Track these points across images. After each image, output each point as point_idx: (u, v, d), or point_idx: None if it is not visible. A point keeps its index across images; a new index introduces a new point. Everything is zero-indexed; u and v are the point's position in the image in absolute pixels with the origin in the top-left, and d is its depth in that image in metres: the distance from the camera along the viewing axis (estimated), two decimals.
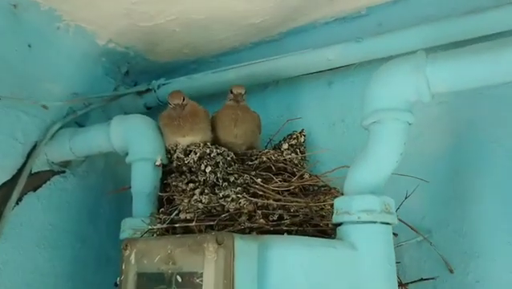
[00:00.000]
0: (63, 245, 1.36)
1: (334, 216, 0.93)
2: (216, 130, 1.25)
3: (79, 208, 1.42)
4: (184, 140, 1.21)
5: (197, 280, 0.79)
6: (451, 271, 1.09)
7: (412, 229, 1.11)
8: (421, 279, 1.08)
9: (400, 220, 0.97)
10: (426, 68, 0.89)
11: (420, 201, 1.14)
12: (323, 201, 1.12)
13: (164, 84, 1.54)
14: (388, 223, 0.90)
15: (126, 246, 0.91)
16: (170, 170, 1.23)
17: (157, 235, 1.08)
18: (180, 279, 0.82)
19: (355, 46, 1.26)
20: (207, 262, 0.79)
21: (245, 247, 0.79)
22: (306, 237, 0.95)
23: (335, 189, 1.18)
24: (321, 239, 0.93)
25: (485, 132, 1.14)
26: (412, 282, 1.08)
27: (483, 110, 1.16)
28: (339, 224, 0.92)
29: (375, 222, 0.88)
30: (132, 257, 0.89)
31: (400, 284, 1.04)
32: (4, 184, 1.23)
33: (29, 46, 1.33)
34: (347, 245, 0.88)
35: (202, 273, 0.79)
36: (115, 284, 1.15)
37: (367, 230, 0.89)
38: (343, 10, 1.37)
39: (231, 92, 1.24)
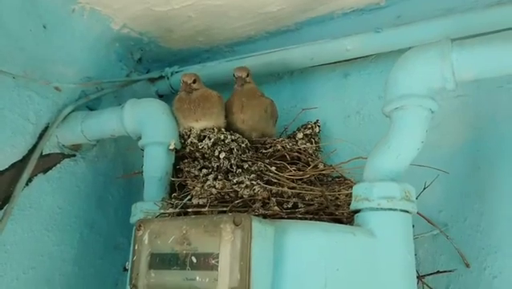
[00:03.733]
0: (71, 229, 1.35)
1: (352, 202, 0.91)
2: (228, 116, 1.25)
3: (88, 192, 1.41)
4: (197, 125, 1.20)
5: (213, 261, 0.78)
6: (467, 266, 1.07)
7: (428, 221, 1.09)
8: (438, 272, 1.06)
9: (416, 212, 0.95)
10: (452, 54, 0.87)
11: (437, 194, 1.13)
12: (338, 191, 1.11)
13: (177, 72, 1.54)
14: (407, 211, 0.88)
15: (139, 226, 0.89)
16: (183, 156, 1.22)
17: None
18: (195, 260, 0.80)
19: (375, 36, 1.24)
20: (223, 243, 0.78)
21: (262, 230, 0.78)
22: (324, 222, 0.93)
23: (349, 179, 1.17)
24: (339, 225, 0.91)
25: (506, 126, 1.12)
26: (428, 275, 1.06)
27: (503, 104, 1.14)
28: (358, 211, 0.90)
29: (395, 210, 0.87)
30: (146, 237, 0.88)
31: (417, 276, 1.02)
32: (14, 164, 1.22)
33: (44, 27, 1.32)
34: (366, 232, 0.86)
35: (218, 254, 0.77)
36: (125, 269, 1.14)
37: (387, 217, 0.87)
38: (362, 1, 1.35)
39: (233, 76, 1.23)
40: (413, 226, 0.98)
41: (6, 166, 1.20)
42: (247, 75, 1.23)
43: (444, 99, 1.15)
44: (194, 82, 1.20)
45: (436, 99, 0.91)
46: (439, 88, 0.91)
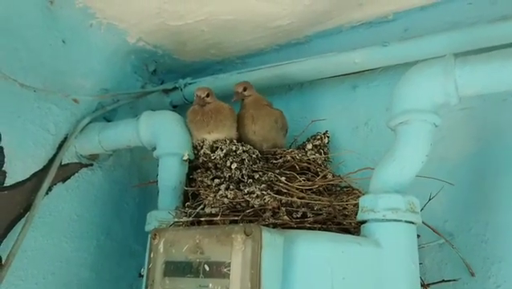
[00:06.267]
0: (89, 236, 1.39)
1: (359, 213, 0.94)
2: (239, 128, 1.28)
3: (104, 200, 1.45)
4: (210, 137, 1.24)
5: (225, 270, 0.81)
6: (472, 275, 1.09)
7: (434, 231, 1.11)
8: (443, 281, 1.09)
9: (422, 222, 0.98)
10: (455, 71, 0.90)
11: (443, 205, 1.16)
12: (346, 201, 1.14)
13: (190, 83, 1.58)
14: (412, 222, 0.91)
15: (155, 235, 0.93)
16: (196, 166, 1.26)
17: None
18: (207, 268, 0.84)
19: (382, 50, 1.27)
20: (235, 252, 0.81)
21: (271, 240, 0.81)
22: (332, 232, 0.97)
23: (357, 189, 1.20)
24: (346, 235, 0.94)
25: (510, 137, 1.15)
26: (433, 284, 1.09)
27: (508, 116, 1.17)
28: (364, 222, 0.93)
29: (399, 221, 0.90)
30: (161, 246, 0.92)
31: (422, 285, 1.05)
32: (35, 174, 1.27)
33: (63, 41, 1.37)
34: (372, 242, 0.90)
35: (230, 263, 0.81)
36: (140, 275, 1.18)
37: (392, 229, 0.90)
38: (370, 15, 1.38)
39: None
40: (419, 236, 1.01)
41: (28, 176, 1.25)
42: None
43: (449, 111, 1.18)
44: (208, 96, 1.24)
45: (439, 114, 0.94)
46: (442, 103, 0.94)
